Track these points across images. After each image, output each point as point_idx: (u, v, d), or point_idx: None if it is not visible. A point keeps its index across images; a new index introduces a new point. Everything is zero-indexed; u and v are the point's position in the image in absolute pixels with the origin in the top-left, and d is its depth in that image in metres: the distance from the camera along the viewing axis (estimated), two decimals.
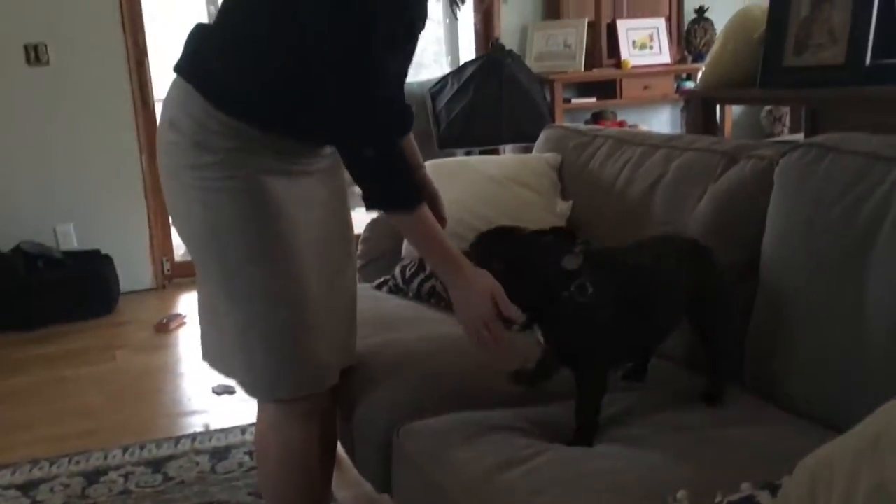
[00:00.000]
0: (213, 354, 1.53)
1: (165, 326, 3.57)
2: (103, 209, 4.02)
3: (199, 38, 1.44)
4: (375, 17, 1.27)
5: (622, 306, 1.32)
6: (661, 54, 4.88)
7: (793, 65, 1.79)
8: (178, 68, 1.42)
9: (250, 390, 1.46)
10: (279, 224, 1.39)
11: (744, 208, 1.59)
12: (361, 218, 2.45)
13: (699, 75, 2.15)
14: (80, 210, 4.03)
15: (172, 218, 1.48)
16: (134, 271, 4.15)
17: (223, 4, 1.44)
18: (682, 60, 5.01)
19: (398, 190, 1.34)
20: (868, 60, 1.68)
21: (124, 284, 4.03)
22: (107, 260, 3.97)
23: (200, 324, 1.56)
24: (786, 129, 5.09)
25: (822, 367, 1.34)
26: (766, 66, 1.86)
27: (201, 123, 1.35)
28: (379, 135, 1.32)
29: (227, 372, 1.51)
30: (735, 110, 5.10)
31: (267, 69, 1.35)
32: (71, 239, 4.05)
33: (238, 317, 1.40)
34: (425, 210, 1.35)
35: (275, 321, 1.39)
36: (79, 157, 4.01)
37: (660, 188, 1.83)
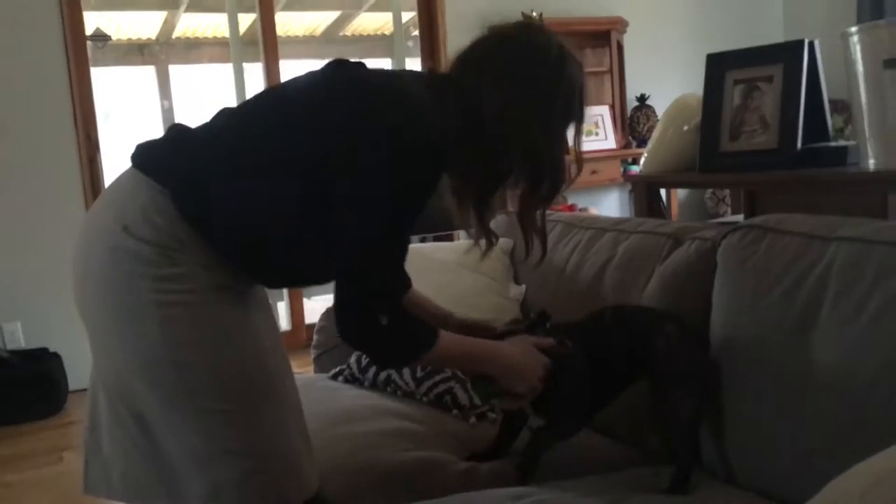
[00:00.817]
0: (134, 483, 1.35)
1: None
2: (52, 306, 3.94)
3: (187, 146, 1.33)
4: (419, 194, 1.27)
5: (588, 362, 1.48)
6: (607, 140, 5.05)
7: (728, 150, 1.87)
8: (148, 168, 1.30)
9: None
10: (251, 330, 1.32)
11: (690, 289, 1.63)
12: (315, 307, 2.45)
13: (642, 160, 2.23)
14: (28, 307, 3.95)
15: (110, 338, 1.29)
16: (83, 369, 4.02)
17: (234, 117, 1.35)
18: (627, 145, 5.18)
19: (416, 339, 1.31)
20: (799, 145, 1.77)
21: (73, 382, 3.92)
22: (55, 358, 3.87)
23: (104, 448, 1.37)
24: (728, 209, 5.26)
25: (771, 442, 1.36)
26: (703, 151, 1.95)
27: (168, 233, 1.25)
28: (391, 304, 1.31)
29: (160, 501, 1.33)
30: (681, 192, 5.27)
31: (277, 225, 1.28)
32: (18, 337, 3.95)
33: (200, 435, 1.27)
34: (443, 337, 1.32)
35: (253, 435, 1.29)
36: (27, 252, 3.95)
37: (609, 270, 1.88)
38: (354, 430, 1.70)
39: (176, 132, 1.37)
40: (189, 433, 1.27)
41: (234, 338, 1.29)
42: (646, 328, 1.51)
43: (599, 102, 5.08)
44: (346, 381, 2.08)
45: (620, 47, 5.09)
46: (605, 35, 5.01)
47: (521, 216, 1.45)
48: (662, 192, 3.41)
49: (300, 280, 1.56)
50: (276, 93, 1.42)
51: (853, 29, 1.57)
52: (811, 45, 1.84)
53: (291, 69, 6.68)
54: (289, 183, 1.27)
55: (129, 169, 1.34)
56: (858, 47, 1.59)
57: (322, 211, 1.26)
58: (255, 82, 4.86)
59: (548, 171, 1.37)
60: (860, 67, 1.59)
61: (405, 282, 1.61)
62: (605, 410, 1.57)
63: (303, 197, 1.27)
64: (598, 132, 5.04)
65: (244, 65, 5.28)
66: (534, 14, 4.79)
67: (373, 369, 2.01)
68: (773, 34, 5.38)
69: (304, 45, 7.05)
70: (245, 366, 1.30)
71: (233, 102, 5.24)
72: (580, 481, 1.47)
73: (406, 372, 1.94)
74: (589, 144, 4.99)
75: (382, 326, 1.26)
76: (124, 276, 1.25)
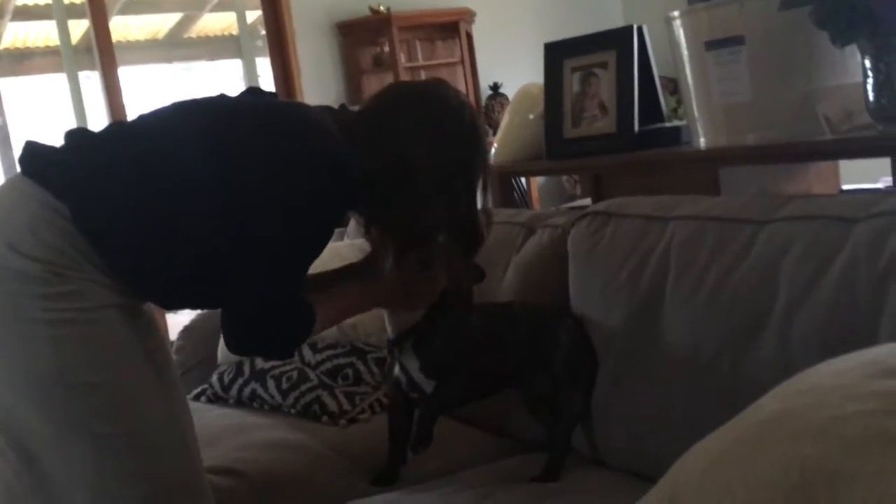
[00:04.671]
0: None
1: None
2: None
3: (87, 157, 1.27)
4: (325, 228, 1.30)
5: (484, 339, 1.51)
6: None
7: (572, 136, 1.92)
8: (44, 177, 1.22)
9: None
10: (145, 350, 1.28)
11: (545, 277, 1.66)
12: (180, 320, 2.34)
13: (493, 150, 2.26)
14: None
15: None
16: None
17: (136, 132, 1.32)
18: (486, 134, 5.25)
19: (299, 326, 1.33)
20: (636, 127, 1.83)
21: None
22: None
23: None
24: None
25: (632, 422, 1.41)
26: (548, 138, 1.99)
27: (58, 249, 1.18)
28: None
29: None
30: (540, 177, 5.39)
31: (178, 247, 1.26)
32: None
33: (94, 460, 1.21)
34: (318, 307, 1.33)
35: (154, 458, 1.26)
36: None
37: None
38: (218, 452, 1.63)
39: (76, 140, 1.31)
40: (84, 461, 1.21)
41: (130, 358, 1.25)
42: (550, 320, 1.53)
43: None
44: (210, 400, 2.00)
45: (470, 38, 5.14)
46: (453, 26, 5.05)
47: (449, 269, 1.46)
48: (521, 178, 3.47)
49: (199, 304, 1.54)
50: (185, 113, 1.36)
51: (675, 13, 1.64)
52: (640, 29, 1.91)
53: (133, 75, 6.38)
54: (193, 206, 1.25)
55: (16, 177, 1.26)
56: (682, 31, 1.66)
57: (224, 238, 1.26)
58: (93, 92, 4.60)
59: (472, 232, 1.43)
60: (685, 50, 1.66)
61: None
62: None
63: (206, 222, 1.26)
64: None
65: (81, 74, 5.00)
66: (381, 8, 4.77)
67: (236, 386, 1.95)
68: (616, 19, 5.58)
69: (147, 49, 6.73)
70: (142, 387, 1.26)
71: (70, 114, 4.98)
72: (449, 479, 1.47)
73: (271, 385, 1.89)
74: None
75: (267, 331, 1.29)
76: (10, 297, 1.19)
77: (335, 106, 1.48)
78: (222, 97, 1.39)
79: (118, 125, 1.38)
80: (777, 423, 0.73)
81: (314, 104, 1.44)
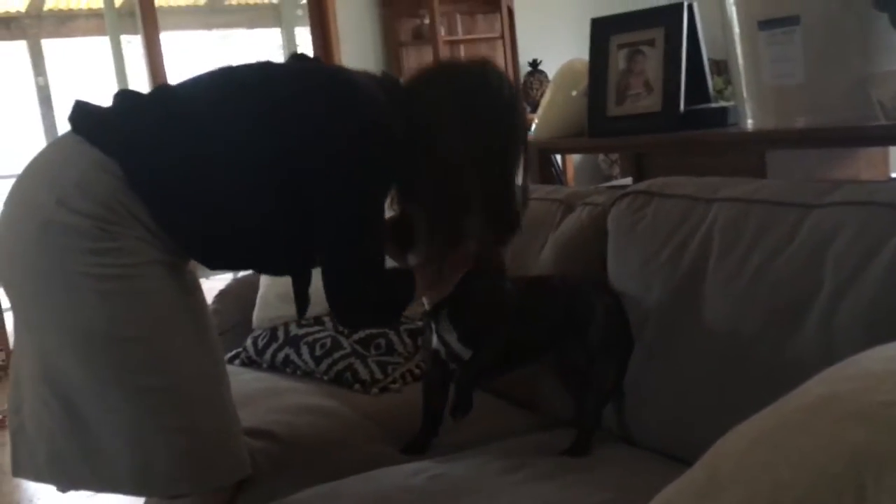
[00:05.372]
0: (60, 465, 1.30)
1: (1, 422, 3.29)
2: None
3: (138, 117, 1.29)
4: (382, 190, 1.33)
5: (520, 307, 1.50)
6: None
7: (615, 114, 1.90)
8: (94, 134, 1.25)
9: (152, 488, 1.31)
10: (188, 308, 1.31)
11: (583, 254, 1.65)
12: (214, 286, 2.37)
13: (533, 126, 2.24)
14: None
15: (40, 314, 1.26)
16: None
17: (186, 95, 1.32)
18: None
19: (401, 295, 1.39)
20: (682, 107, 1.80)
21: None
22: None
23: (28, 431, 1.32)
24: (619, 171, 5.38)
25: (665, 401, 1.40)
26: (591, 116, 1.97)
27: (107, 206, 1.21)
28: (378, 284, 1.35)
29: (87, 482, 1.31)
30: (575, 155, 5.35)
31: (232, 212, 1.28)
32: None
33: (135, 412, 1.24)
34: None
35: (192, 413, 1.29)
36: None
37: None
38: (252, 414, 1.65)
39: (125, 101, 1.32)
40: (124, 413, 1.24)
41: (174, 314, 1.28)
42: (588, 294, 1.52)
43: None
44: (244, 364, 2.02)
45: (511, 12, 5.09)
46: (495, 1, 5.00)
47: (481, 254, 1.46)
48: (557, 156, 3.45)
49: (244, 266, 1.60)
50: (232, 77, 1.36)
51: None
52: (690, 7, 1.87)
53: (174, 41, 6.42)
54: (251, 175, 1.27)
55: (67, 134, 1.29)
56: (734, 9, 1.63)
57: (284, 206, 1.28)
58: (136, 56, 4.63)
59: (506, 213, 1.42)
60: (736, 28, 1.62)
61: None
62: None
63: (265, 192, 1.27)
64: None
65: (123, 37, 5.03)
66: None
67: (270, 350, 1.97)
68: None
69: (188, 14, 6.75)
70: (184, 344, 1.28)
71: (112, 78, 5.02)
72: (479, 450, 1.48)
73: (304, 351, 1.90)
74: None
75: (374, 302, 1.35)
76: (59, 251, 1.21)
77: None
78: (269, 63, 1.39)
79: (166, 88, 1.38)
80: (825, 406, 0.72)
81: None
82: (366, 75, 1.40)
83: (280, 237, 1.32)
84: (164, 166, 1.25)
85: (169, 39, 6.37)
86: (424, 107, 1.35)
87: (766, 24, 1.53)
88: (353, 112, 1.28)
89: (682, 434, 1.36)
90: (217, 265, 1.44)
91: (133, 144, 1.25)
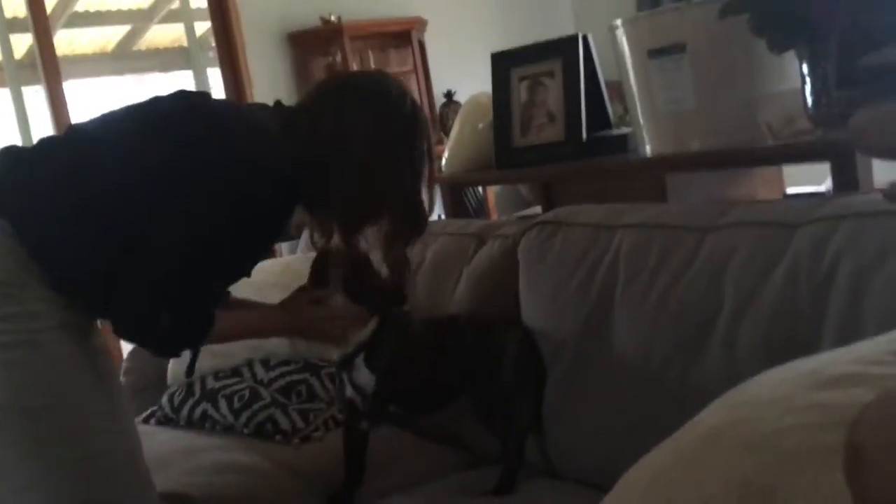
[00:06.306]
0: None
1: None
2: None
3: (24, 172, 1.25)
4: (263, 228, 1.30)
5: (430, 348, 1.51)
6: None
7: (521, 145, 1.92)
8: None
9: None
10: (98, 372, 1.27)
11: (497, 287, 1.65)
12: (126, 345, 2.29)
13: (443, 161, 2.25)
14: None
15: None
16: None
17: (70, 144, 1.31)
18: (440, 142, 5.25)
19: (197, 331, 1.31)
20: (584, 135, 1.84)
21: None
22: None
23: None
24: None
25: (583, 432, 1.40)
26: (497, 148, 1.99)
27: (4, 268, 1.18)
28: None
29: None
30: None
31: (116, 258, 1.23)
32: None
33: (53, 491, 1.19)
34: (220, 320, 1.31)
35: (111, 482, 1.25)
36: None
37: (420, 275, 1.87)
38: (168, 476, 1.59)
39: (9, 158, 1.29)
40: (35, 486, 1.18)
41: (79, 381, 1.23)
42: (497, 331, 1.52)
43: None
44: (160, 422, 1.96)
45: (423, 45, 5.13)
46: (405, 35, 5.04)
47: (388, 256, 1.47)
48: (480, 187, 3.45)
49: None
50: (109, 121, 1.35)
51: (618, 22, 1.65)
52: (585, 38, 1.91)
53: (80, 89, 6.26)
54: (120, 212, 1.23)
55: None
56: (625, 39, 1.67)
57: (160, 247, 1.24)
58: (39, 107, 4.50)
59: (414, 212, 1.43)
60: (628, 58, 1.67)
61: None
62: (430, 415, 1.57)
63: (135, 229, 1.24)
64: None
65: (27, 88, 4.88)
66: (332, 18, 4.74)
67: (187, 406, 1.91)
68: (566, 26, 5.62)
69: (95, 62, 6.60)
70: (93, 411, 1.24)
71: (14, 130, 4.86)
72: (405, 495, 1.46)
73: (222, 404, 1.85)
74: None
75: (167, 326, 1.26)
76: None
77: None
78: (152, 102, 1.36)
79: (49, 138, 1.35)
80: (716, 438, 0.72)
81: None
82: (256, 108, 1.40)
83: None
84: (49, 219, 1.22)
85: (79, 87, 6.21)
86: (333, 120, 1.34)
87: (656, 53, 1.57)
88: (211, 145, 1.26)
89: (603, 463, 1.36)
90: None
91: (19, 200, 1.22)
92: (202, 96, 1.44)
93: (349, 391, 1.47)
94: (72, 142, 1.33)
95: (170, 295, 1.23)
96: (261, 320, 1.47)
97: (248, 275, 1.39)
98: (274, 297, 1.77)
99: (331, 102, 1.37)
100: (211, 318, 1.30)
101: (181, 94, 1.38)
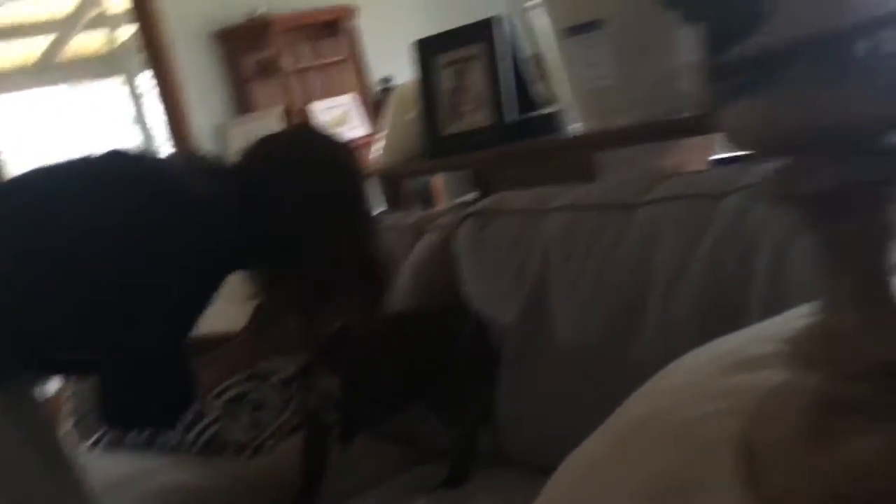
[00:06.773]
0: None
1: None
2: None
3: None
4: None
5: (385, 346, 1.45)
6: (361, 127, 5.03)
7: (450, 132, 1.90)
8: None
9: None
10: (32, 432, 1.23)
11: (438, 279, 1.64)
12: None
13: (377, 152, 2.22)
14: None
15: None
16: None
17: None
18: (380, 130, 5.20)
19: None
20: (510, 118, 1.82)
21: None
22: None
23: None
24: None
25: (533, 415, 1.40)
26: (428, 137, 1.96)
27: None
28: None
29: None
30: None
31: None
32: None
33: None
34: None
35: None
36: None
37: None
38: (122, 501, 1.56)
39: None
40: None
41: (19, 449, 1.20)
42: (447, 322, 1.50)
43: (342, 92, 5.05)
44: (106, 448, 1.91)
45: (355, 34, 5.07)
46: (335, 24, 4.97)
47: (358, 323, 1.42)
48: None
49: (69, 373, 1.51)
50: (40, 184, 1.27)
51: (534, 1, 1.63)
52: (510, 19, 1.89)
53: (10, 103, 6.08)
54: (51, 284, 1.17)
55: None
56: (544, 18, 1.65)
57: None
58: None
59: (372, 275, 1.39)
60: (549, 37, 1.65)
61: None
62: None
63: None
64: (348, 121, 5.01)
65: None
66: (258, 12, 4.65)
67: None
68: (499, 4, 5.59)
69: (20, 76, 6.40)
70: (38, 478, 1.21)
71: None
72: (360, 497, 1.44)
73: None
74: (344, 136, 4.94)
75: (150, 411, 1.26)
76: None
77: (221, 119, 1.42)
78: (81, 164, 1.28)
79: None
80: (641, 427, 0.72)
81: (200, 119, 1.38)
82: (190, 173, 1.31)
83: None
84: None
85: (5, 101, 6.03)
86: (277, 190, 1.28)
87: (573, 31, 1.56)
88: (157, 232, 1.20)
89: (552, 447, 1.35)
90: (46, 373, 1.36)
91: None
92: (134, 160, 1.35)
93: (312, 401, 1.44)
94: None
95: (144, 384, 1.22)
96: (236, 359, 1.46)
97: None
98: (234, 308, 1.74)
99: (270, 172, 1.31)
100: (191, 373, 1.26)
101: (114, 154, 1.30)
